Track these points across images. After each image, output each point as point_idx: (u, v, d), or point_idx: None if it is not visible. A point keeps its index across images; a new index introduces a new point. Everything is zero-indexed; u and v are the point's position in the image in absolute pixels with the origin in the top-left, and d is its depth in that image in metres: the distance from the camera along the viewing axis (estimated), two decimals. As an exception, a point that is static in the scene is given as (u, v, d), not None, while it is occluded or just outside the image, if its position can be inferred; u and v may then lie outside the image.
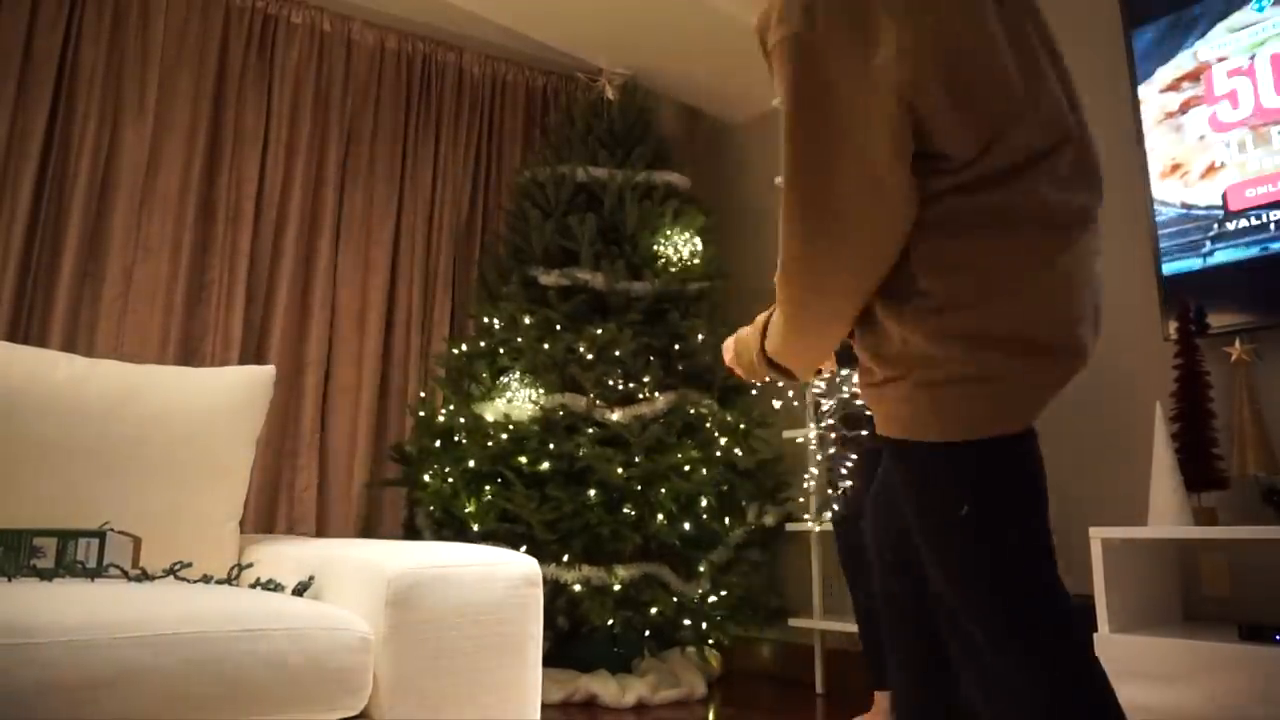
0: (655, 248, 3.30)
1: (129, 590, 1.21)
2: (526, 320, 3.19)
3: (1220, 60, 2.40)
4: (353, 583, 1.33)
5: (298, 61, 3.66)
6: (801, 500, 3.27)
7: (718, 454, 3.08)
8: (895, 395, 1.05)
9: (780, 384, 3.31)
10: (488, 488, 2.93)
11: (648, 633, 3.02)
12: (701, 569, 3.02)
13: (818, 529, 3.11)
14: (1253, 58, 2.33)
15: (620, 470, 2.89)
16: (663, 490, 2.92)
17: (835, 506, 2.32)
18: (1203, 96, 2.42)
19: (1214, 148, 2.39)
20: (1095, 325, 1.08)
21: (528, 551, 2.75)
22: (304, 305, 3.57)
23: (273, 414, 3.31)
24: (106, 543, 1.39)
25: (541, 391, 3.02)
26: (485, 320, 3.31)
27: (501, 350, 3.19)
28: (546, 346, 3.10)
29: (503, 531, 2.88)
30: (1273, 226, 2.26)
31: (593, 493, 2.87)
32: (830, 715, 2.75)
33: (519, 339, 3.14)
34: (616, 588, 2.84)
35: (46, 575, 1.33)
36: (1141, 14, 2.56)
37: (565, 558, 2.87)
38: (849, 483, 2.31)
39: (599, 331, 3.10)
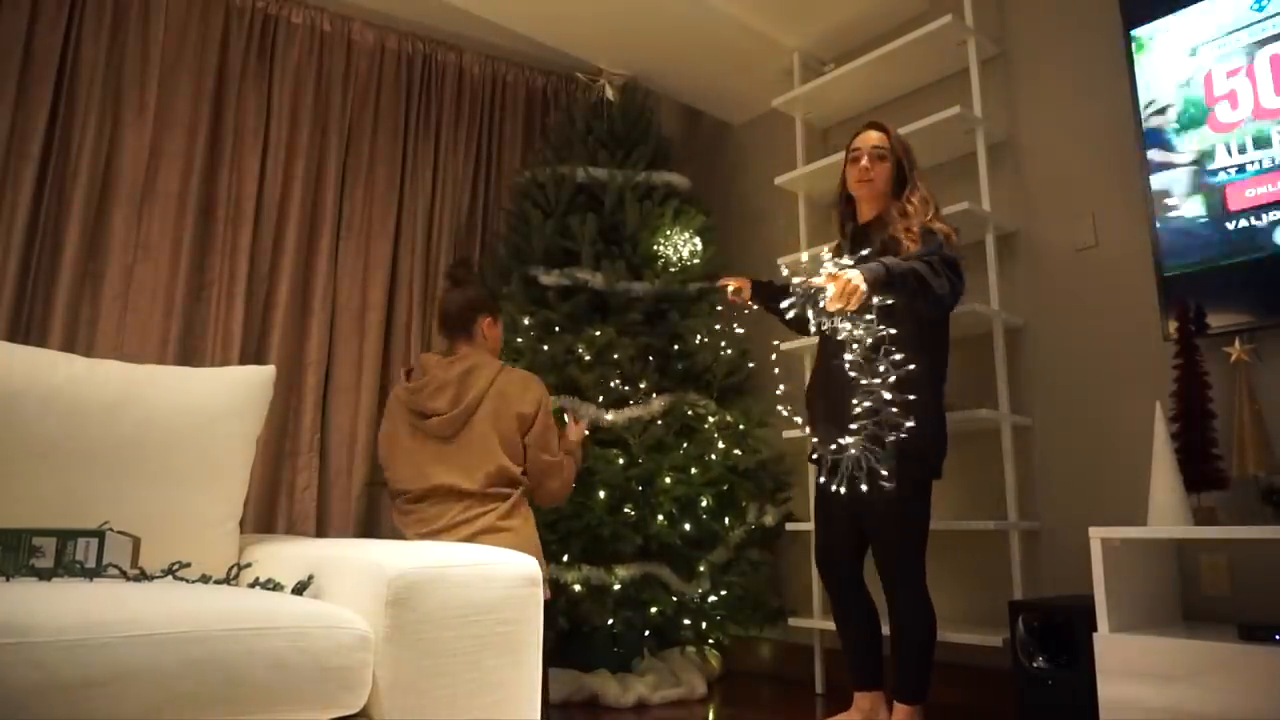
0: (655, 248, 3.30)
1: (128, 590, 1.20)
2: (526, 321, 3.19)
3: (1219, 60, 2.40)
4: (353, 583, 1.33)
5: (298, 61, 3.66)
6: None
7: (713, 455, 3.07)
8: None
9: (781, 387, 3.31)
10: (488, 488, 2.92)
11: (648, 632, 3.02)
12: (701, 569, 3.02)
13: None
14: (1252, 58, 2.33)
15: (621, 470, 2.89)
16: (661, 490, 2.91)
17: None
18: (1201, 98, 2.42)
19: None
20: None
21: (527, 551, 2.75)
22: (304, 305, 3.57)
23: (273, 414, 3.31)
24: (106, 543, 1.39)
25: (541, 391, 3.02)
26: (485, 320, 3.31)
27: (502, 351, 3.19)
28: (546, 348, 3.10)
29: (503, 531, 2.87)
30: (1272, 227, 2.26)
31: (600, 494, 2.87)
32: (830, 715, 2.75)
33: (519, 340, 3.14)
34: (616, 588, 2.84)
35: (45, 575, 1.33)
36: (1141, 14, 2.56)
37: (565, 558, 2.87)
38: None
39: (598, 334, 3.10)
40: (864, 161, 2.41)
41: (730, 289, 2.71)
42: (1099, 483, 2.64)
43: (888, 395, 2.02)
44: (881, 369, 2.00)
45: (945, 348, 2.36)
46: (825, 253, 2.21)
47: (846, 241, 2.52)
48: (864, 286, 1.95)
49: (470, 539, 2.21)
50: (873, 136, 2.45)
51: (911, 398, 2.23)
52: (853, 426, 2.10)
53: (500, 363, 2.49)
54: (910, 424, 2.12)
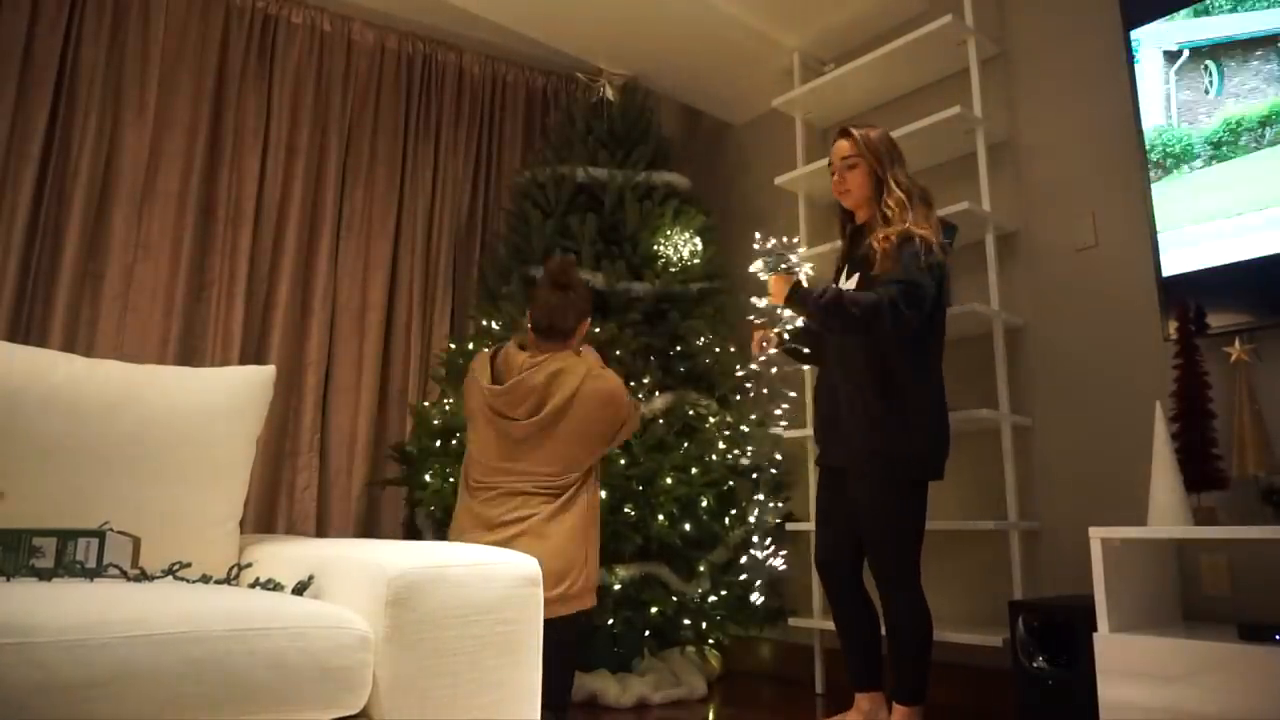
0: (655, 248, 3.30)
1: (128, 590, 1.20)
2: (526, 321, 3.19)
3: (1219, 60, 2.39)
4: (353, 583, 1.33)
5: (298, 61, 3.66)
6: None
7: (714, 456, 3.07)
8: None
9: (781, 383, 3.32)
10: (488, 488, 2.92)
11: (648, 632, 3.01)
12: (701, 569, 3.02)
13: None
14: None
15: (622, 470, 2.89)
16: (662, 490, 2.91)
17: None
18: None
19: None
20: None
21: (528, 551, 2.75)
22: (304, 305, 3.57)
23: (273, 414, 3.31)
24: (106, 543, 1.39)
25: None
26: (485, 321, 3.31)
27: (501, 350, 3.18)
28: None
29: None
30: (1273, 227, 2.26)
31: (601, 494, 2.86)
32: (830, 715, 2.75)
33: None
34: (617, 588, 2.84)
35: (45, 575, 1.33)
36: (1141, 14, 2.56)
37: (565, 558, 2.86)
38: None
39: (597, 330, 3.10)
40: (835, 176, 2.46)
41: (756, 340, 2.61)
42: (1099, 483, 2.64)
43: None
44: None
45: (932, 351, 2.35)
46: (790, 254, 2.41)
47: (845, 242, 2.53)
48: (780, 299, 2.31)
49: (509, 541, 2.20)
50: (841, 147, 2.44)
51: (899, 401, 2.24)
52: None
53: (587, 365, 2.38)
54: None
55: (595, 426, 2.34)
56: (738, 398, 3.34)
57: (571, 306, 2.44)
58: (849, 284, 2.36)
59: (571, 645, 2.32)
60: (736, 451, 3.14)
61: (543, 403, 2.31)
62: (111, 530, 1.41)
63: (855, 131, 2.43)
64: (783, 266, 2.29)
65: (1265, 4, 2.31)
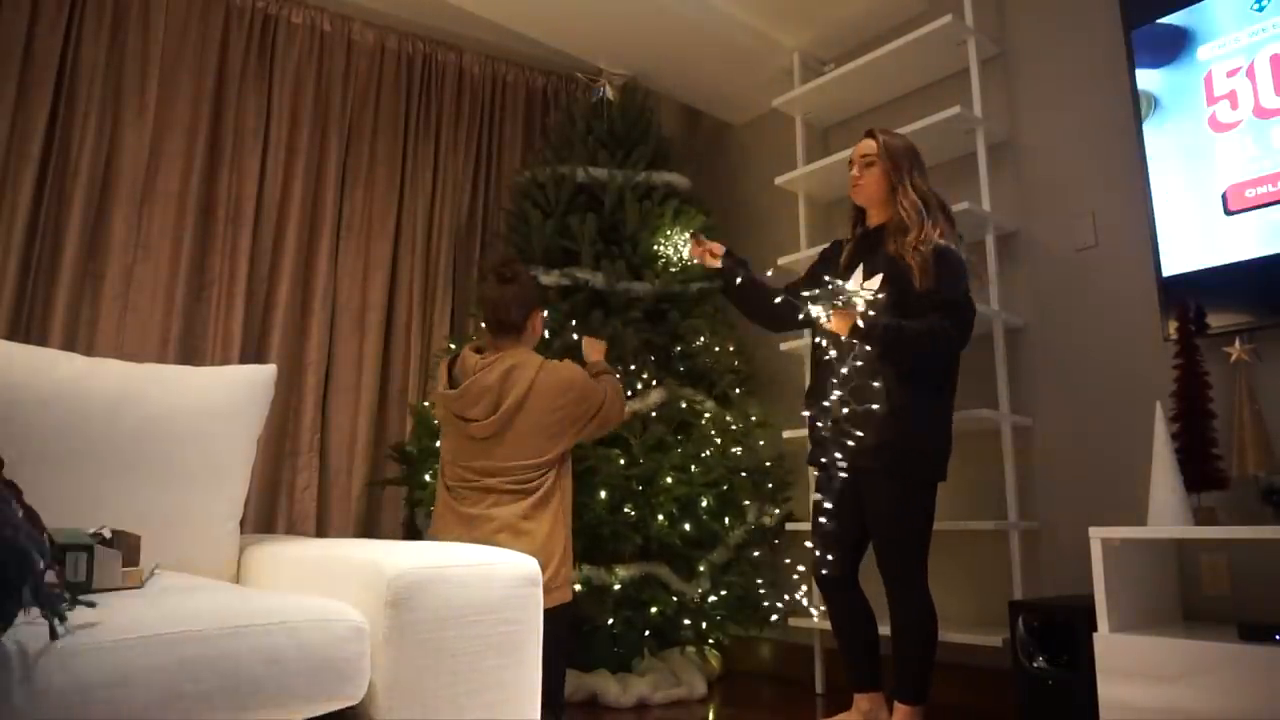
0: (655, 248, 3.30)
1: (123, 594, 1.21)
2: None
3: (1220, 60, 2.40)
4: (353, 583, 1.33)
5: (298, 61, 3.66)
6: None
7: (708, 453, 3.07)
8: None
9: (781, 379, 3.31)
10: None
11: (648, 632, 3.01)
12: (701, 569, 3.02)
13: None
14: (1252, 58, 2.33)
15: (621, 470, 2.89)
16: (662, 490, 2.91)
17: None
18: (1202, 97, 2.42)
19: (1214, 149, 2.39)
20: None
21: (528, 551, 2.74)
22: (304, 305, 3.57)
23: (273, 414, 3.31)
24: (95, 556, 1.35)
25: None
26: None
27: (501, 350, 3.18)
28: (550, 343, 3.10)
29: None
30: (1272, 227, 2.26)
31: (600, 494, 2.87)
32: (830, 715, 2.75)
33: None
34: (616, 588, 2.84)
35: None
36: (1141, 13, 2.56)
37: (565, 557, 2.87)
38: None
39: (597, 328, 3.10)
40: (854, 170, 2.48)
41: (700, 245, 2.67)
42: (1099, 483, 2.64)
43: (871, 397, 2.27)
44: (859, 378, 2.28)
45: (955, 355, 2.36)
46: (855, 285, 2.36)
47: (854, 242, 2.52)
48: (844, 334, 2.26)
49: (489, 537, 2.22)
50: (864, 145, 2.49)
51: (911, 399, 2.24)
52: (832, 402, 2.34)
53: (540, 359, 2.42)
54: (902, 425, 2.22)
55: (555, 416, 2.36)
56: (736, 391, 3.34)
57: (515, 299, 2.45)
58: (868, 285, 2.36)
59: (563, 641, 2.33)
60: (736, 450, 3.14)
61: (499, 400, 2.34)
62: (99, 543, 1.37)
63: (880, 134, 2.46)
64: (840, 300, 2.26)
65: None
